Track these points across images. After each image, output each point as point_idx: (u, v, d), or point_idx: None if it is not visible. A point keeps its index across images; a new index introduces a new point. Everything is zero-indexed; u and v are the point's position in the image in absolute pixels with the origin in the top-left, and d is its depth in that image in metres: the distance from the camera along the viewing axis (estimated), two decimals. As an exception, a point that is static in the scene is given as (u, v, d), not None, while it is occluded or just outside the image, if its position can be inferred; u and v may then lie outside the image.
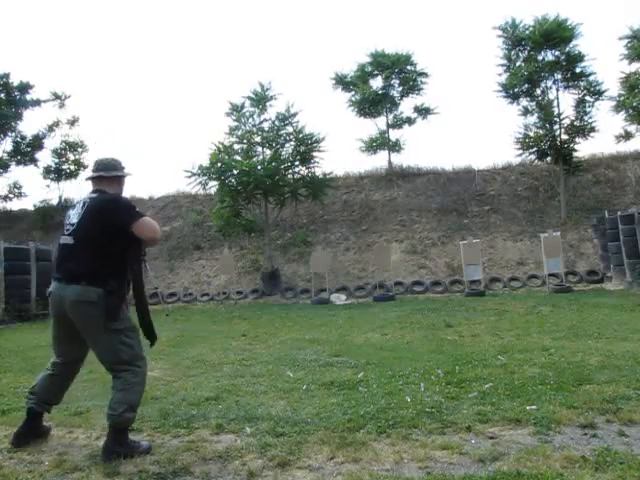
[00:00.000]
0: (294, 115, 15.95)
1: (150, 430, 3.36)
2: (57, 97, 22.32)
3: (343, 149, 52.51)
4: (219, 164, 15.14)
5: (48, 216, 21.15)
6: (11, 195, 22.45)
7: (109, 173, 3.15)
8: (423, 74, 20.44)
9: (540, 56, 16.86)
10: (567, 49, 16.51)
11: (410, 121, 21.03)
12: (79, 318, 2.94)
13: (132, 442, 2.97)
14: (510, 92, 17.38)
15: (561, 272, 13.30)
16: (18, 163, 22.03)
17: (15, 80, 21.24)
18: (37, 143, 21.98)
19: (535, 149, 16.87)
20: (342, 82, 20.88)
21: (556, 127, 16.61)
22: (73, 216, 3.08)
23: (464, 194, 18.16)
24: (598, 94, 16.68)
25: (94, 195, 3.11)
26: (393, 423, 3.20)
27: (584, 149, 23.94)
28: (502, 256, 15.52)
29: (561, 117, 16.73)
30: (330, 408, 3.61)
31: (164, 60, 53.42)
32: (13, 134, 21.85)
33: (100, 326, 2.91)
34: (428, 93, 24.91)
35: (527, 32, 16.70)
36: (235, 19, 58.83)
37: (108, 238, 2.94)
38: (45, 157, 22.87)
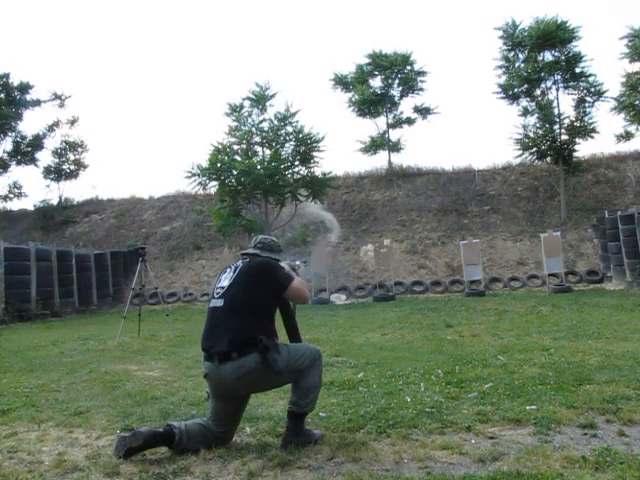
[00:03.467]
0: (293, 115, 15.95)
1: (150, 430, 3.36)
2: (57, 97, 22.34)
3: (343, 149, 52.53)
4: (219, 164, 15.14)
5: (48, 216, 21.15)
6: (11, 195, 22.47)
7: (264, 253, 3.17)
8: (422, 73, 20.45)
9: (540, 57, 16.86)
10: (566, 50, 16.51)
11: (410, 121, 21.04)
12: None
13: (307, 430, 3.01)
14: (510, 93, 17.39)
15: (561, 272, 13.30)
16: (18, 163, 22.03)
17: (15, 80, 21.29)
18: (37, 143, 21.98)
19: (535, 149, 16.87)
20: (341, 82, 20.89)
21: (556, 127, 16.62)
22: (223, 279, 3.09)
23: (464, 194, 18.16)
24: (598, 94, 16.68)
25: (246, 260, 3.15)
26: (393, 423, 3.20)
27: (584, 149, 23.99)
28: (502, 256, 15.52)
29: (561, 117, 16.74)
30: (330, 408, 3.61)
31: (164, 60, 53.44)
32: (13, 134, 21.87)
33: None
34: (428, 92, 25.00)
35: (526, 33, 16.70)
36: (235, 19, 58.83)
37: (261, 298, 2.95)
38: (45, 157, 22.92)
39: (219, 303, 2.98)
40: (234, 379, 2.81)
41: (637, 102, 16.66)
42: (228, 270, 3.13)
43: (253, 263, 3.09)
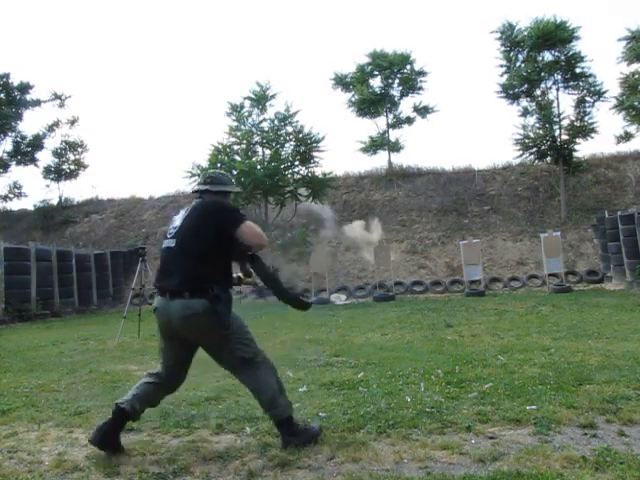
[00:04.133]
0: (294, 115, 15.97)
1: (150, 430, 3.36)
2: (57, 97, 22.35)
3: (343, 149, 52.56)
4: (219, 164, 15.15)
5: (48, 216, 21.15)
6: (11, 195, 22.49)
7: (215, 187, 3.11)
8: (422, 72, 20.45)
9: (539, 57, 16.86)
10: (566, 50, 16.51)
11: (410, 121, 21.04)
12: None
13: (303, 427, 2.97)
14: (510, 93, 17.39)
15: (561, 272, 13.30)
16: (18, 163, 22.05)
17: (15, 80, 21.32)
18: (37, 143, 22.00)
19: (535, 149, 16.87)
20: (342, 82, 20.89)
21: (556, 127, 16.62)
22: (177, 219, 3.05)
23: (464, 194, 18.16)
24: (598, 94, 16.69)
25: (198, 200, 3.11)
26: (393, 423, 3.19)
27: (584, 149, 23.98)
28: (502, 256, 15.52)
29: (561, 117, 16.74)
30: (330, 408, 3.60)
31: (164, 60, 53.45)
32: (13, 134, 21.89)
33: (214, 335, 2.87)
34: (428, 91, 25.00)
35: (525, 33, 16.70)
36: (235, 19, 58.85)
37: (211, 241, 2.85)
38: (45, 157, 22.96)
39: (171, 244, 2.94)
40: (180, 318, 2.79)
41: (637, 103, 16.66)
42: (182, 211, 3.08)
43: (205, 202, 3.04)
